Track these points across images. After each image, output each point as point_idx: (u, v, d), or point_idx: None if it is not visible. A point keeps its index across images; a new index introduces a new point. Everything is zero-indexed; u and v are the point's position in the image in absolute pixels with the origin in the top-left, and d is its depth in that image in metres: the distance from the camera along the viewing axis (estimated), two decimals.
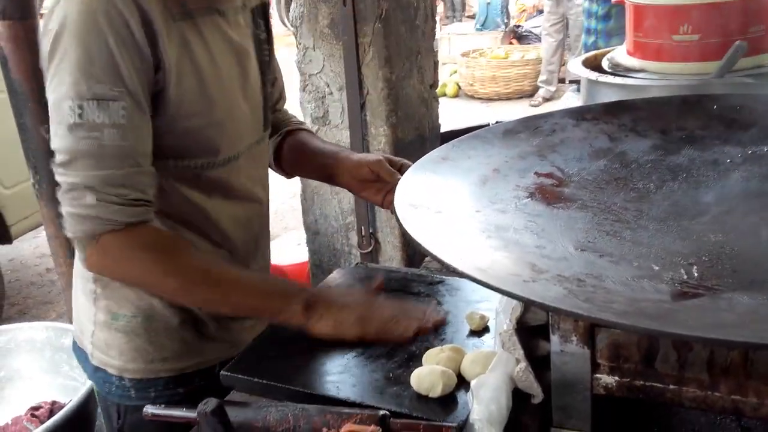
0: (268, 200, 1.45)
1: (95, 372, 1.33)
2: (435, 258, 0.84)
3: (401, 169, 1.40)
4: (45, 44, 1.07)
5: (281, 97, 1.55)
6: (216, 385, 1.18)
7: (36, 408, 2.00)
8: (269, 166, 1.53)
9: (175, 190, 1.22)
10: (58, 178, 1.09)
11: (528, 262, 0.85)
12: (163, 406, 1.14)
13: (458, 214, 1.01)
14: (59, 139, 1.07)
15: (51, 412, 2.00)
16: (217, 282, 1.17)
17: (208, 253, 1.25)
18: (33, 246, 4.99)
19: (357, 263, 1.65)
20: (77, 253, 1.19)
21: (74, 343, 1.40)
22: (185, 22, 1.14)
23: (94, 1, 1.03)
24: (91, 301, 1.30)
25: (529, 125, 1.31)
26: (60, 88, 1.05)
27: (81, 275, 1.31)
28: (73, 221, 1.09)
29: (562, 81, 7.86)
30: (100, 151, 1.05)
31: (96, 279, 1.27)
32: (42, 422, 1.95)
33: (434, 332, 1.22)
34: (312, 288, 1.27)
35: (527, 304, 0.99)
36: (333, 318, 1.17)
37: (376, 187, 1.43)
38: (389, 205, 1.44)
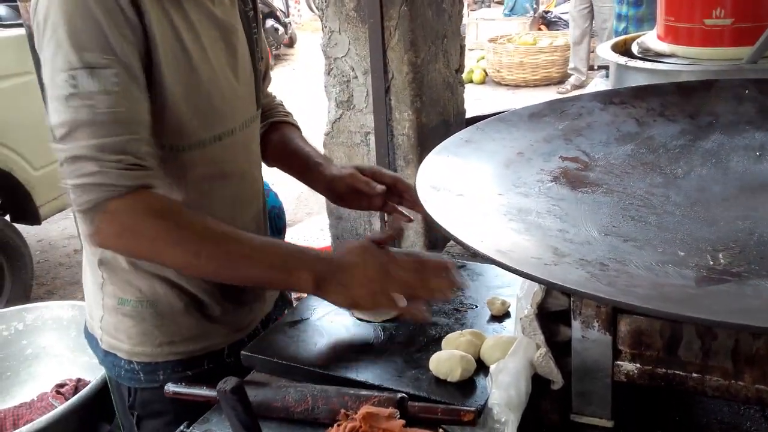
0: (262, 180, 1.44)
1: (105, 356, 1.34)
2: (455, 240, 0.83)
3: (374, 176, 1.41)
4: (35, 27, 1.07)
5: (266, 77, 1.51)
6: (224, 369, 1.18)
7: (61, 385, 2.03)
8: None
9: (167, 176, 1.20)
10: (58, 154, 1.08)
11: (550, 246, 0.84)
12: (183, 384, 1.15)
13: (480, 197, 1.00)
14: (56, 113, 1.06)
15: (76, 389, 2.03)
16: (225, 252, 1.13)
17: (215, 221, 1.18)
18: (61, 227, 5.06)
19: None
20: (85, 234, 1.15)
21: (86, 329, 1.41)
22: (169, 0, 1.14)
23: None
24: (98, 287, 1.31)
25: (555, 108, 1.29)
26: (53, 63, 1.06)
27: (89, 262, 1.32)
28: (78, 192, 1.07)
29: (591, 68, 7.76)
30: (95, 118, 1.05)
31: (102, 264, 1.28)
32: (67, 399, 1.99)
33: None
34: (326, 257, 1.18)
35: (548, 289, 0.98)
36: (346, 294, 1.14)
37: (358, 199, 1.42)
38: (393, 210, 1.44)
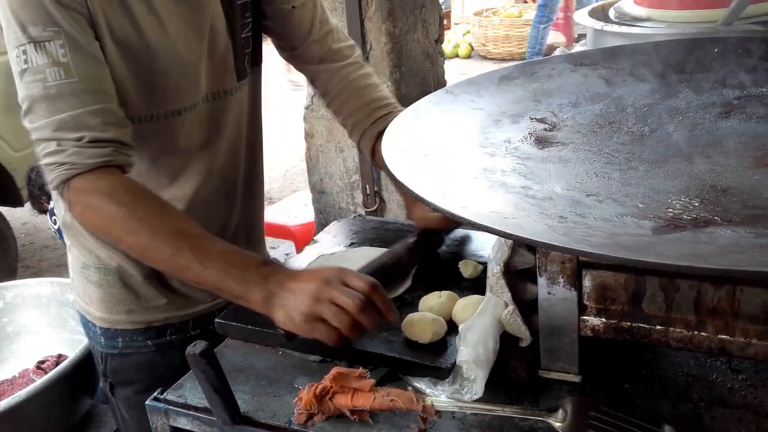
0: (243, 151, 1.35)
1: (80, 317, 1.39)
2: (417, 197, 0.83)
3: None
4: None
5: (312, 29, 1.45)
6: (190, 341, 1.03)
7: (42, 361, 2.03)
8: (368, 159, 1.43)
9: None
10: (32, 135, 1.08)
11: (511, 202, 0.84)
12: None
13: (445, 158, 1.00)
14: (18, 90, 1.06)
15: (57, 365, 2.02)
16: (177, 248, 1.03)
17: (176, 212, 1.13)
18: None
19: (354, 215, 1.64)
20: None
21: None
22: None
23: None
24: (68, 249, 1.36)
25: (525, 71, 1.29)
26: (7, 41, 1.06)
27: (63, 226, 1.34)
28: (46, 172, 1.07)
29: (576, 41, 7.73)
30: (47, 92, 1.03)
31: (65, 227, 1.31)
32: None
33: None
34: (280, 274, 1.03)
35: (514, 247, 0.98)
36: (285, 313, 1.00)
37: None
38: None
